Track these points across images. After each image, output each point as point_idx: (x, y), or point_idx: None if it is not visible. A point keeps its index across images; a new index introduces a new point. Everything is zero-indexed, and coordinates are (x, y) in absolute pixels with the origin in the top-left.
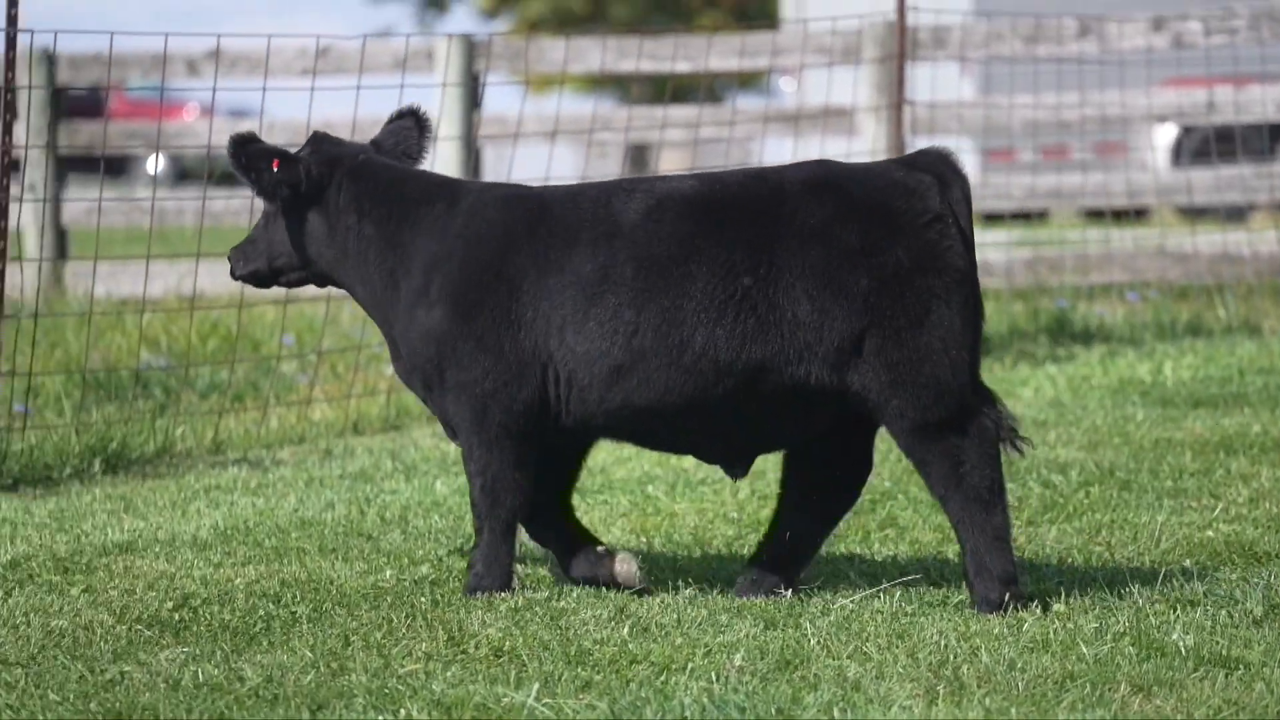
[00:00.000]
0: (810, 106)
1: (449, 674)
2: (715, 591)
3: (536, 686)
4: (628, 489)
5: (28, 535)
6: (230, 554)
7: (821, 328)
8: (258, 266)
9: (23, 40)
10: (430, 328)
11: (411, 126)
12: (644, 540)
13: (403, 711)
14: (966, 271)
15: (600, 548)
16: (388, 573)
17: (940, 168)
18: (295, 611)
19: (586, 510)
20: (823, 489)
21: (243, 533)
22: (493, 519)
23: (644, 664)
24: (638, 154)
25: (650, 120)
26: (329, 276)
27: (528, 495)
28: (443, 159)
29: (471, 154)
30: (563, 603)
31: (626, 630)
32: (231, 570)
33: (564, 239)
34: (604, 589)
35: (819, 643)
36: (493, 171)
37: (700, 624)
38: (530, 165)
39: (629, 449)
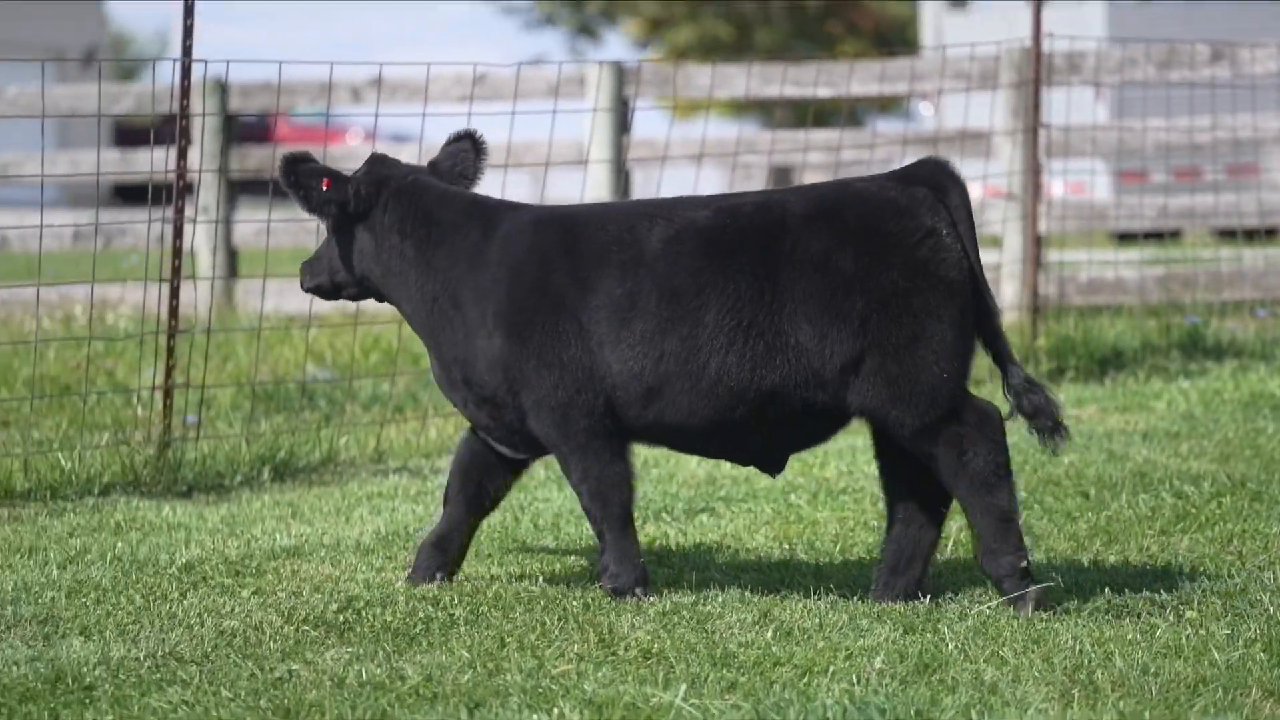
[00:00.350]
0: (948, 129)
1: (600, 674)
2: (856, 597)
3: (684, 687)
4: (771, 498)
5: (201, 540)
6: (391, 558)
7: (823, 352)
8: (321, 281)
9: (197, 70)
10: (493, 357)
11: (469, 149)
12: (787, 547)
13: (556, 710)
14: (960, 282)
15: (439, 575)
16: (541, 577)
17: (937, 177)
18: (453, 614)
19: (731, 518)
20: (919, 487)
21: (403, 538)
22: (608, 518)
23: (787, 666)
24: (781, 176)
25: (793, 143)
26: (379, 292)
27: (633, 487)
28: (593, 181)
29: (621, 176)
30: (709, 607)
31: (770, 634)
32: (393, 574)
33: (596, 260)
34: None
35: (956, 647)
36: (641, 193)
37: (841, 628)
38: (677, 187)
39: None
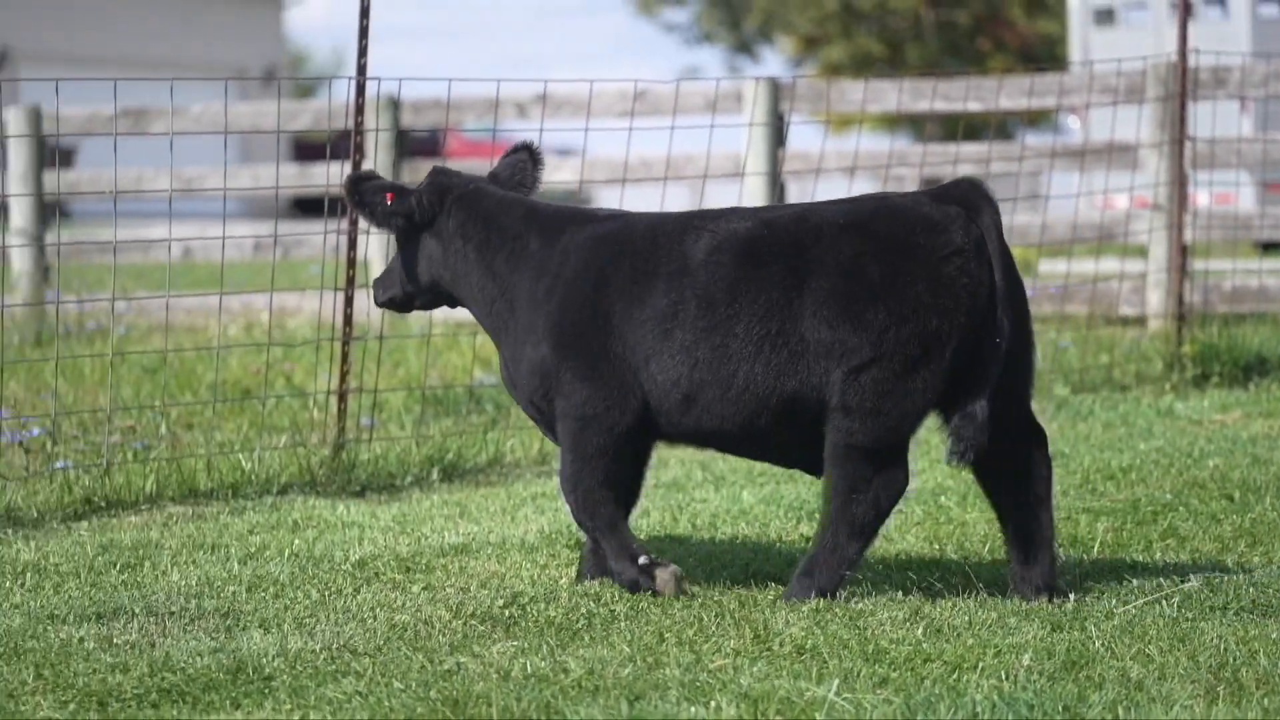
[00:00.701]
0: (1095, 142)
1: (755, 669)
2: (1004, 596)
3: (836, 682)
4: (921, 499)
5: (374, 537)
6: (555, 556)
7: (839, 356)
8: (394, 294)
9: (371, 87)
10: (537, 363)
11: (526, 159)
12: (937, 547)
13: (713, 703)
14: (974, 308)
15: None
16: (698, 574)
17: (971, 196)
18: (614, 609)
19: None
20: (1014, 474)
21: (566, 536)
22: (599, 528)
23: (937, 662)
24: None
25: (943, 156)
26: (452, 296)
27: (618, 500)
28: (750, 193)
29: (776, 188)
30: (861, 605)
31: (921, 631)
32: (556, 571)
33: (646, 274)
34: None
35: (1103, 645)
36: None
37: (990, 626)
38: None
39: (922, 461)
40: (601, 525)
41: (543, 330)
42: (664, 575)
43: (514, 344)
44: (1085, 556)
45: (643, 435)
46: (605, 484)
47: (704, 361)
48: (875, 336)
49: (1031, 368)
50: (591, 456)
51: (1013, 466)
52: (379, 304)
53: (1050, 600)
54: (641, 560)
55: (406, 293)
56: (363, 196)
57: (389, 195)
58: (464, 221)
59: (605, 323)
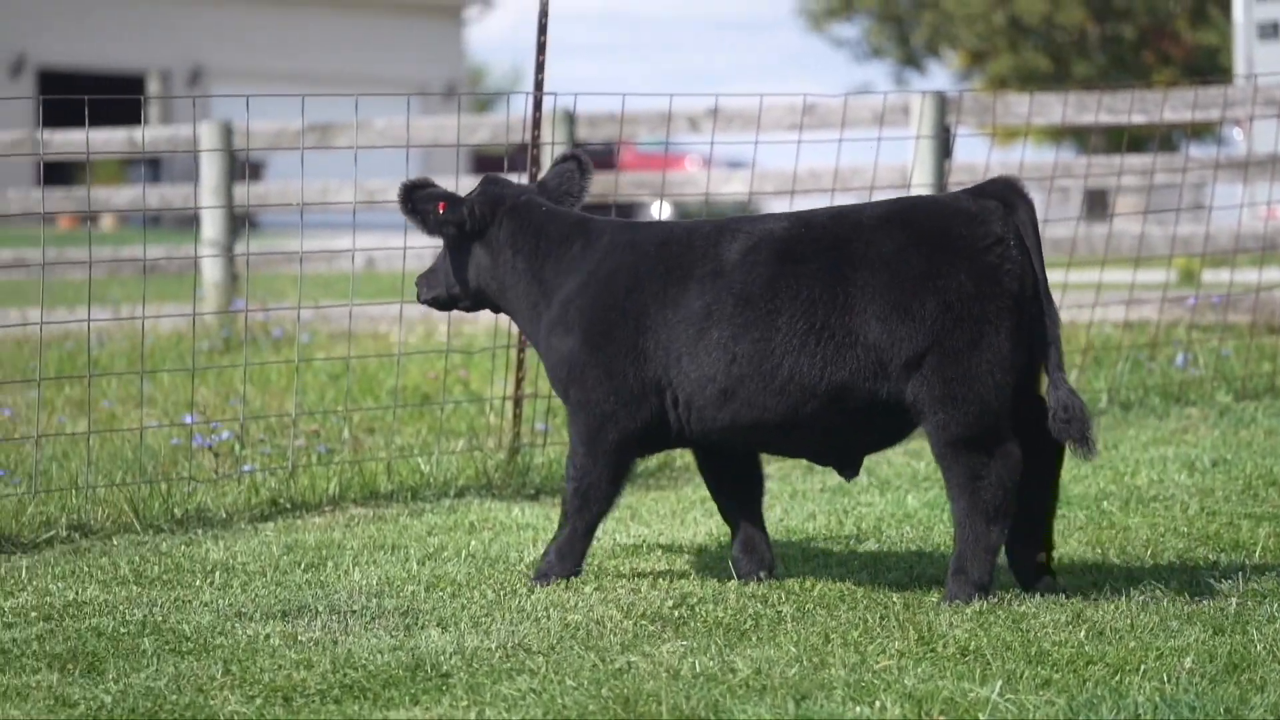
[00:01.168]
0: (1259, 154)
1: (920, 670)
2: (1166, 599)
3: (1000, 683)
4: (1084, 504)
5: (548, 539)
6: (723, 558)
7: (890, 348)
8: (438, 293)
9: (547, 102)
10: (564, 353)
11: (574, 169)
12: (1099, 551)
13: (878, 703)
14: (1022, 293)
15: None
16: (863, 577)
17: (1007, 193)
18: (781, 611)
19: None
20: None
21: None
22: (578, 518)
23: (1099, 665)
24: (1095, 199)
25: (1108, 168)
26: (496, 304)
27: (614, 505)
28: None
29: None
30: (1024, 607)
31: (1083, 633)
32: (724, 572)
33: (680, 277)
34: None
35: (1265, 648)
36: None
37: (1152, 629)
38: None
39: (1085, 468)
40: (581, 521)
41: (572, 322)
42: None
43: (545, 337)
44: (1247, 561)
45: (657, 440)
46: (611, 481)
47: (744, 356)
48: (926, 327)
49: (1061, 359)
50: (605, 452)
51: (1032, 455)
52: (421, 301)
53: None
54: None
55: (451, 294)
56: (415, 204)
57: (441, 204)
58: (514, 232)
59: (636, 323)
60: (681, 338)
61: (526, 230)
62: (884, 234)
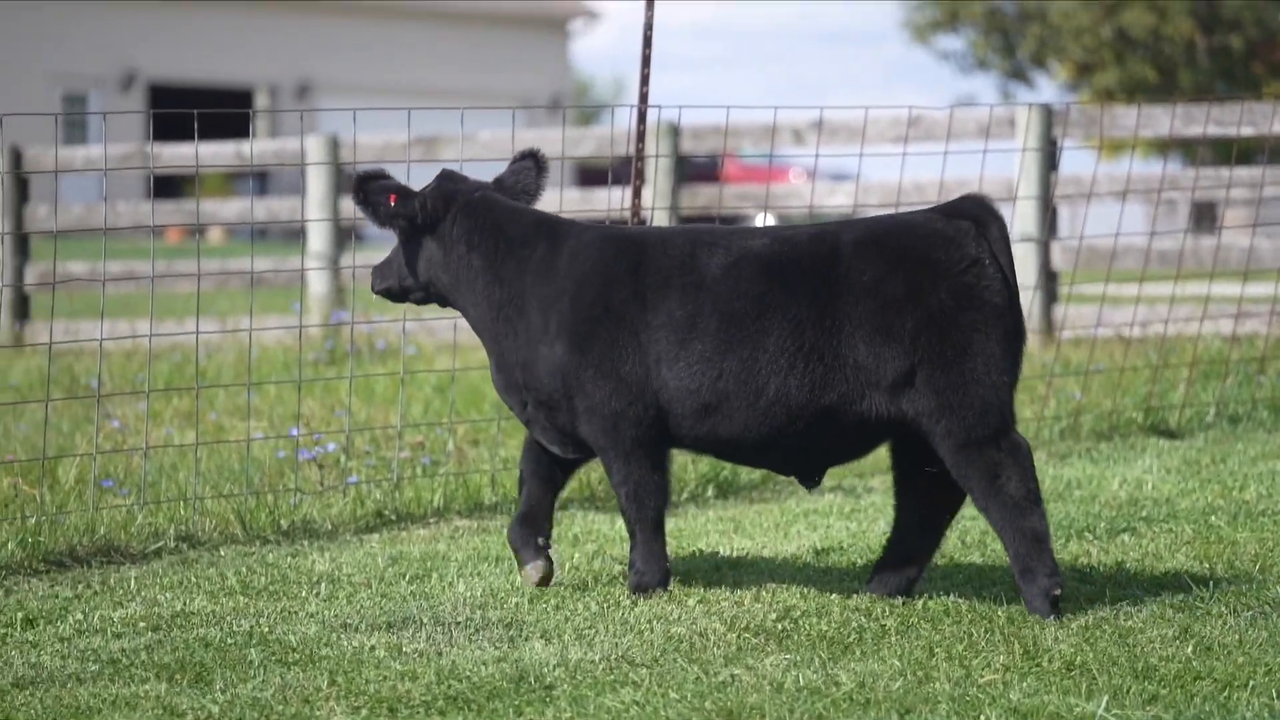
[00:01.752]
0: None
1: (1025, 684)
2: (1275, 615)
3: (1106, 698)
4: (1191, 518)
5: None
6: (826, 572)
7: (878, 369)
8: (390, 284)
9: (652, 115)
10: (553, 363)
11: (531, 167)
12: (1207, 566)
13: (982, 717)
14: (1003, 306)
15: (540, 540)
16: (968, 591)
17: (978, 212)
18: (884, 624)
19: (1151, 538)
20: (930, 497)
21: (838, 552)
22: (641, 521)
23: (1207, 680)
24: (1203, 212)
25: (1216, 180)
26: (446, 298)
27: (668, 494)
28: (1021, 216)
29: (1048, 212)
30: (1130, 622)
31: (1190, 649)
32: (828, 585)
33: (659, 281)
34: None
35: None
36: (1068, 229)
37: (1261, 644)
38: (1102, 222)
39: (1193, 481)
40: (646, 520)
41: (555, 330)
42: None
43: (524, 347)
44: None
45: (665, 431)
46: (654, 471)
47: (730, 373)
48: (911, 346)
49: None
50: (632, 449)
51: (941, 479)
52: (375, 291)
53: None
54: (662, 590)
55: (403, 286)
56: (367, 195)
57: (392, 196)
58: (469, 229)
59: (619, 321)
60: (661, 343)
61: (483, 227)
62: (862, 259)
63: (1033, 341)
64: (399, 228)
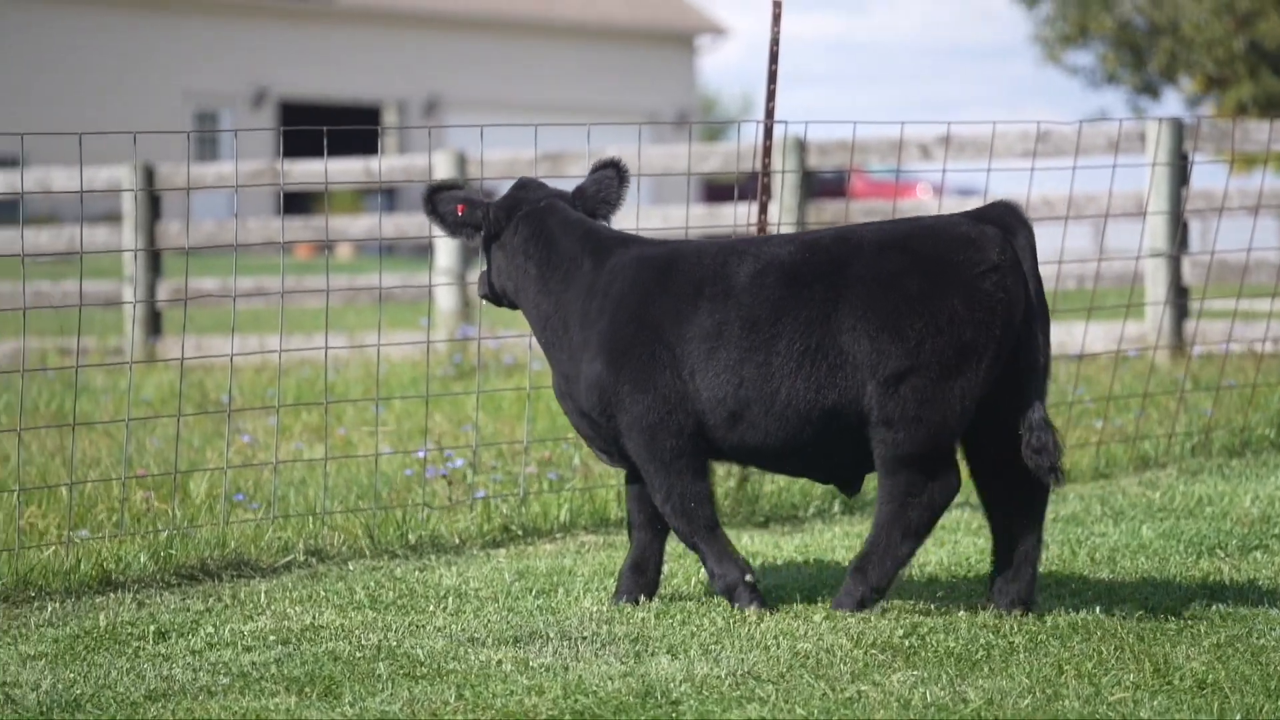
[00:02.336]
0: None
1: (1155, 703)
2: None
3: (1239, 717)
4: None
5: (777, 567)
6: (954, 587)
7: (877, 365)
8: (484, 290)
9: (778, 130)
10: (592, 379)
11: (612, 176)
12: None
13: None
14: (1010, 323)
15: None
16: (1096, 608)
17: (1006, 218)
18: (1013, 641)
19: None
20: (1014, 489)
21: (965, 568)
22: (696, 530)
23: None
24: None
25: None
26: (516, 305)
27: (713, 500)
28: (1151, 231)
29: (1179, 227)
30: (1264, 640)
31: None
32: (955, 602)
33: (690, 294)
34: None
35: None
36: (1199, 243)
37: None
38: (1233, 237)
39: None
40: (700, 528)
41: (595, 347)
42: (758, 606)
43: (568, 361)
44: None
45: (705, 441)
46: (696, 480)
47: (749, 380)
48: (912, 347)
49: (1045, 388)
50: (671, 461)
51: (1013, 481)
52: (480, 296)
53: (1024, 613)
54: (748, 578)
55: (494, 293)
56: (436, 205)
57: (460, 207)
58: (527, 239)
59: (654, 337)
60: (693, 354)
61: (538, 238)
62: (883, 256)
63: (1163, 357)
64: (468, 236)
